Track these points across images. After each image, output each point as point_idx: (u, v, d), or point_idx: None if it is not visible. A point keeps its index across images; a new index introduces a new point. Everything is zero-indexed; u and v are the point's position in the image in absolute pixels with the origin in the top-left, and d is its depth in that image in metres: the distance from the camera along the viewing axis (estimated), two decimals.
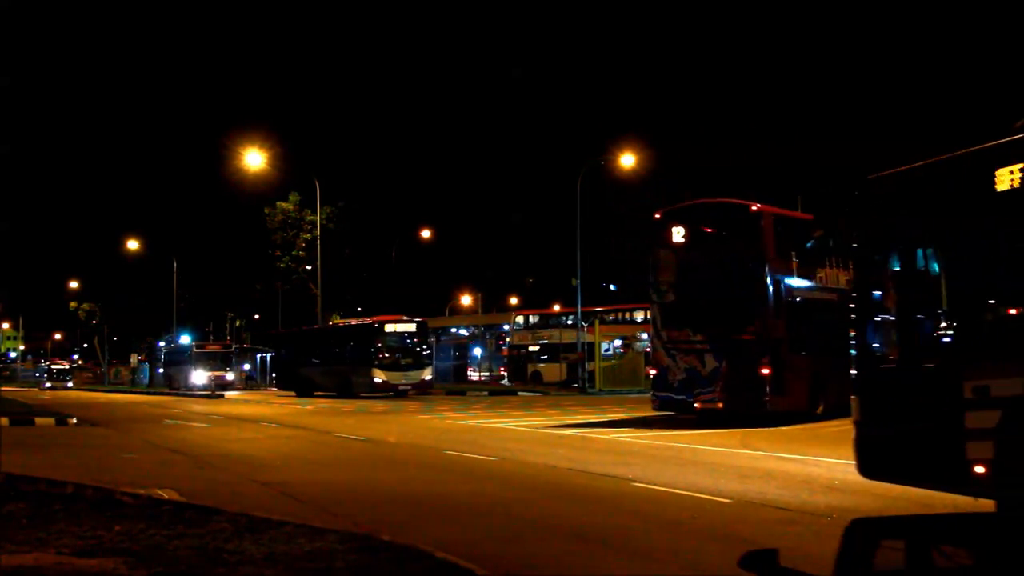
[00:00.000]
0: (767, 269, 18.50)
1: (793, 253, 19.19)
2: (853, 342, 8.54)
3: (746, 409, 18.33)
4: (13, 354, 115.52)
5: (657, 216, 20.70)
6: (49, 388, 63.64)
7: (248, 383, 55.59)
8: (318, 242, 46.41)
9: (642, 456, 13.55)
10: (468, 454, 14.10)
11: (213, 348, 54.07)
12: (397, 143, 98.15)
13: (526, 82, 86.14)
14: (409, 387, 36.50)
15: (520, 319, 53.73)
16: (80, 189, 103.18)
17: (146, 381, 68.36)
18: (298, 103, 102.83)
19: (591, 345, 40.61)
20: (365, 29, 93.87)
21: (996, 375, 7.01)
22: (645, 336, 44.65)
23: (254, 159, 42.39)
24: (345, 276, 55.76)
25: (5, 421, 20.78)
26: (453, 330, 63.63)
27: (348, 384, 37.59)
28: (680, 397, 19.38)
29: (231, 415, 26.47)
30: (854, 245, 8.75)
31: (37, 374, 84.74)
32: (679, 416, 20.13)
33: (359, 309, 59.03)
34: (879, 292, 8.65)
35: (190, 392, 45.98)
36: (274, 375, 50.81)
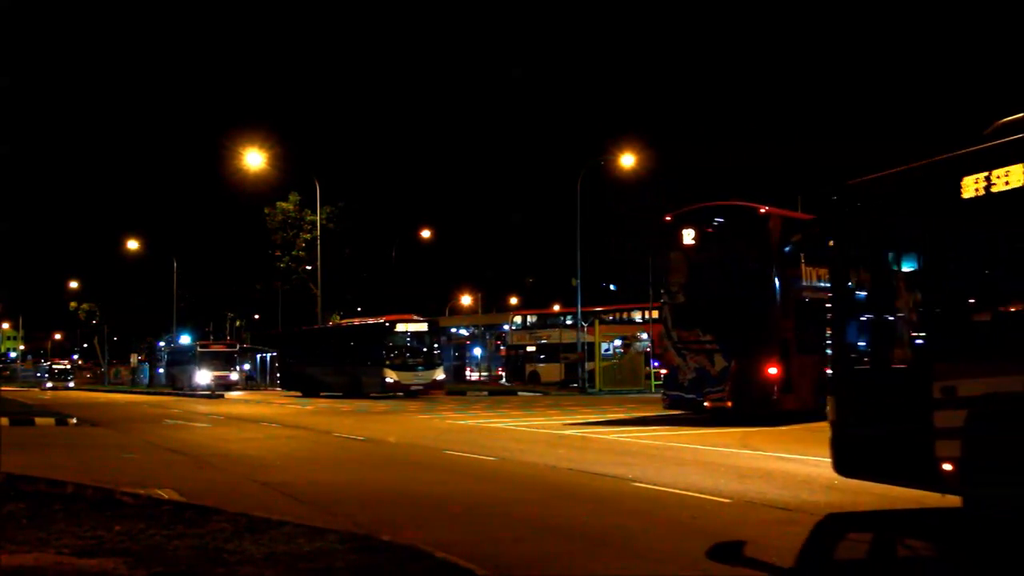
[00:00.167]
0: (775, 270, 18.76)
1: (801, 255, 19.35)
2: (830, 343, 8.92)
3: (754, 408, 18.61)
4: (13, 354, 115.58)
5: (667, 219, 21.06)
6: (50, 388, 63.69)
7: (248, 383, 55.51)
8: (318, 242, 46.40)
9: (642, 456, 13.56)
10: (468, 454, 14.10)
11: (218, 348, 53.77)
12: (397, 143, 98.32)
13: (526, 82, 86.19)
14: (421, 387, 36.01)
15: (518, 319, 53.72)
16: (80, 189, 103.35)
17: (146, 381, 68.38)
18: (298, 103, 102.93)
19: (591, 345, 40.62)
20: (365, 29, 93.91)
21: (963, 376, 7.25)
22: (645, 336, 44.72)
23: (254, 159, 42.40)
24: (345, 276, 55.77)
25: (5, 421, 20.80)
26: (453, 330, 63.61)
27: (358, 384, 37.13)
28: (690, 396, 19.77)
29: (231, 415, 26.47)
30: (830, 248, 9.02)
31: (38, 374, 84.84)
32: (679, 416, 20.26)
33: (359, 309, 59.06)
34: (863, 293, 9.00)
35: (191, 392, 45.85)
36: (278, 375, 50.45)
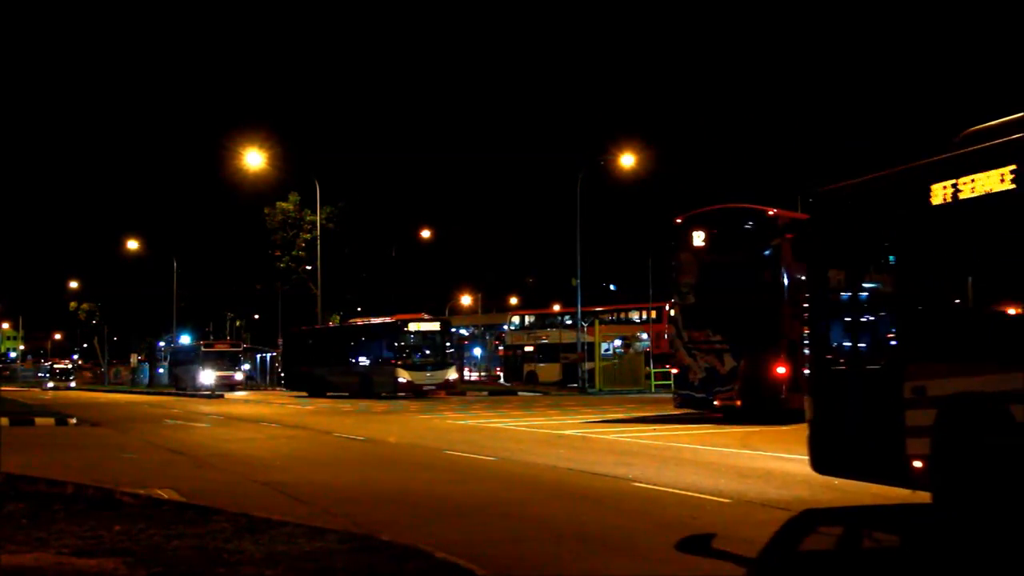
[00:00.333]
0: (783, 271, 18.92)
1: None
2: (807, 344, 9.21)
3: (763, 407, 18.80)
4: (13, 354, 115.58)
5: (678, 221, 21.29)
6: (52, 388, 63.69)
7: (248, 383, 55.46)
8: (318, 242, 46.38)
9: (642, 456, 13.56)
10: (468, 454, 14.10)
11: (222, 347, 53.46)
12: (397, 143, 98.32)
13: (526, 82, 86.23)
14: (433, 387, 35.50)
15: (516, 319, 53.73)
16: (80, 189, 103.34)
17: (146, 381, 68.35)
18: (298, 103, 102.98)
19: (591, 345, 40.62)
20: (365, 29, 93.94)
21: (932, 376, 7.49)
22: (644, 336, 44.76)
23: (254, 159, 42.39)
24: (345, 276, 55.70)
25: (5, 421, 20.78)
26: (453, 330, 63.58)
27: (368, 385, 36.59)
28: (701, 395, 20.05)
29: (231, 415, 26.48)
30: (807, 251, 9.31)
31: (39, 374, 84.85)
32: (680, 416, 20.36)
33: (359, 309, 59.02)
34: (842, 295, 9.24)
35: (192, 392, 45.68)
36: (282, 375, 50.16)
